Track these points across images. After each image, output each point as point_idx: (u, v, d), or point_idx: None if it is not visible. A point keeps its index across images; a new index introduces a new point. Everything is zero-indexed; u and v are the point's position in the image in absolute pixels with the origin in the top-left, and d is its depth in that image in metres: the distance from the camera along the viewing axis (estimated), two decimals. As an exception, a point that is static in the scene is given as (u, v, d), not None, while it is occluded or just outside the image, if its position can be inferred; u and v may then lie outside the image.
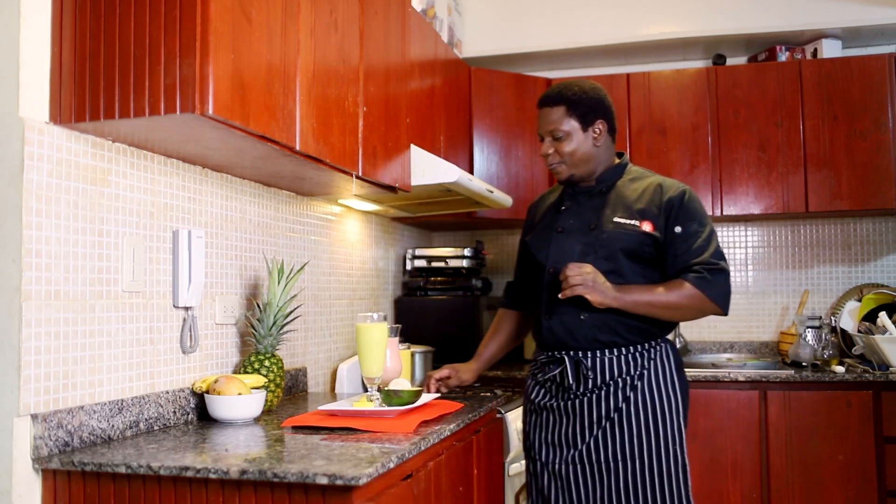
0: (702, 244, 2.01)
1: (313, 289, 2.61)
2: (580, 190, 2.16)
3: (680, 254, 2.02)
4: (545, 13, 3.69)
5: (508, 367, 3.24)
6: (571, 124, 2.07)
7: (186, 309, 1.94)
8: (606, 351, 2.03)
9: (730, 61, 3.77)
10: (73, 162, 1.61)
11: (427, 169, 2.52)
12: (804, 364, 3.24)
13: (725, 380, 3.09)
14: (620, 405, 2.00)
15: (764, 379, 3.06)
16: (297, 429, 1.77)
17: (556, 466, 2.06)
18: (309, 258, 2.59)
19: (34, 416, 1.49)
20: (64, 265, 1.58)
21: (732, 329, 3.76)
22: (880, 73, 3.31)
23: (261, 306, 2.10)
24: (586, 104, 2.08)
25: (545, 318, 2.08)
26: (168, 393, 1.85)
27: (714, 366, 3.40)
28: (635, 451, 1.99)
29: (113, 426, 1.67)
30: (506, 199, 3.08)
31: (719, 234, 3.80)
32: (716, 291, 1.99)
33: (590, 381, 2.03)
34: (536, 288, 2.17)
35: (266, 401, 2.02)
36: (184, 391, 1.91)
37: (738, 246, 3.79)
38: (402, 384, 1.98)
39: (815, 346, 3.31)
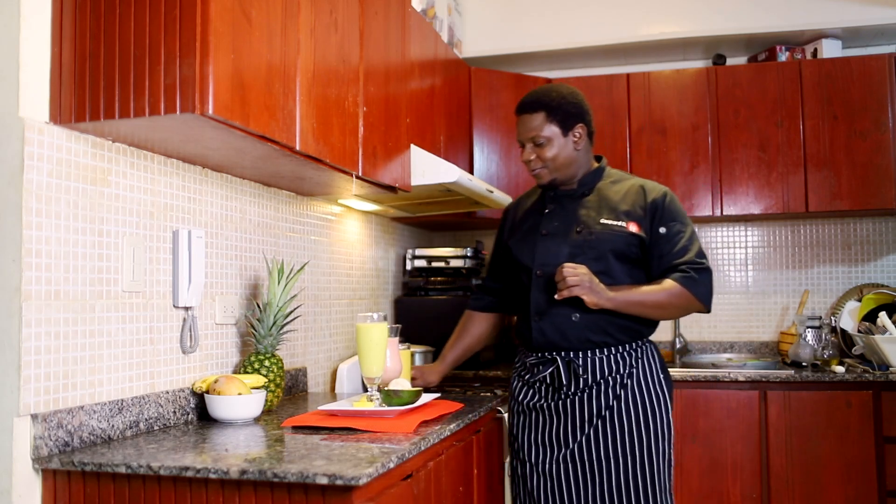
0: (685, 244, 2.07)
1: (313, 289, 2.61)
2: (562, 193, 2.19)
3: (665, 254, 2.07)
4: (545, 13, 3.69)
5: (508, 367, 3.24)
6: (552, 130, 2.10)
7: (186, 309, 1.94)
8: (597, 351, 2.06)
9: (730, 61, 3.77)
10: (73, 162, 1.61)
11: (427, 169, 2.52)
12: (804, 364, 3.24)
13: (725, 380, 3.09)
14: (611, 403, 2.04)
15: (764, 379, 3.06)
16: (297, 429, 1.77)
17: (548, 466, 2.08)
18: (309, 258, 2.59)
19: (34, 416, 1.49)
20: (64, 265, 1.58)
21: (732, 329, 3.76)
22: (880, 73, 3.31)
23: (261, 306, 2.10)
24: (565, 109, 2.10)
25: (535, 320, 2.10)
26: (168, 393, 1.85)
27: (714, 366, 3.40)
28: (626, 447, 2.02)
29: (113, 426, 1.67)
30: (506, 199, 3.08)
31: (719, 234, 3.80)
32: (701, 290, 2.04)
33: (580, 381, 2.06)
34: (520, 291, 2.20)
35: (266, 401, 2.02)
36: (184, 391, 1.91)
37: (738, 246, 3.79)
38: (402, 384, 1.98)
39: (815, 346, 3.31)
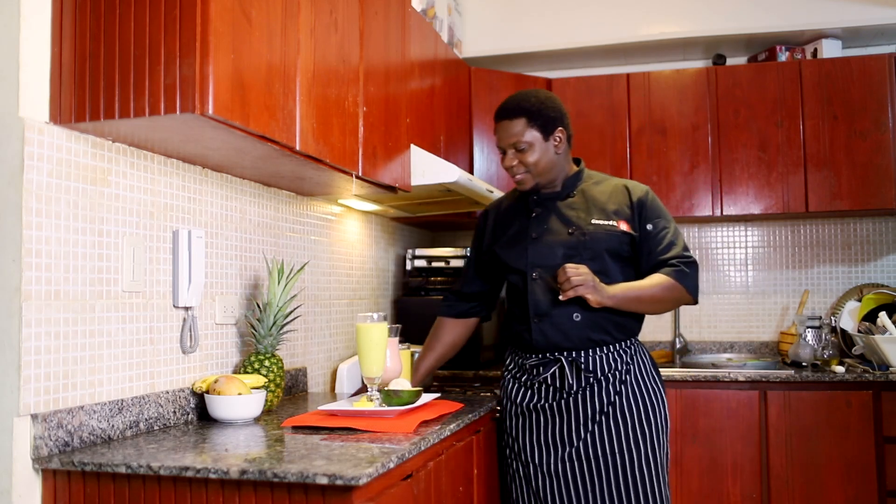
0: (672, 239, 2.13)
1: (313, 289, 2.61)
2: (546, 196, 2.21)
3: (654, 250, 2.12)
4: (545, 13, 3.69)
5: (508, 367, 3.24)
6: (533, 135, 2.11)
7: (186, 309, 1.94)
8: (598, 349, 2.10)
9: (730, 61, 3.77)
10: (73, 162, 1.61)
11: (427, 169, 2.52)
12: (804, 364, 3.24)
13: (725, 380, 3.09)
14: (613, 399, 2.08)
15: (764, 379, 3.06)
16: (297, 429, 1.77)
17: (553, 466, 2.08)
18: (309, 258, 2.59)
19: (34, 416, 1.49)
20: (64, 265, 1.58)
21: (732, 329, 3.76)
22: (880, 73, 3.31)
23: (261, 306, 2.10)
24: (545, 114, 2.12)
25: (535, 322, 2.11)
26: (168, 393, 1.85)
27: (714, 366, 3.40)
28: (630, 441, 2.06)
29: (113, 426, 1.67)
30: (506, 199, 3.08)
31: (719, 234, 3.81)
32: (691, 283, 2.11)
33: (583, 379, 2.09)
34: (512, 295, 2.21)
35: (266, 401, 2.02)
36: (184, 391, 1.91)
37: (738, 246, 3.79)
38: (402, 384, 1.98)
39: (815, 346, 3.31)
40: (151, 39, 1.49)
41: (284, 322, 2.10)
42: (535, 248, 2.14)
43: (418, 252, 3.41)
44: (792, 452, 3.01)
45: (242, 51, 1.58)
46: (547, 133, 2.12)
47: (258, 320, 2.07)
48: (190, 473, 1.39)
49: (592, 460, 2.05)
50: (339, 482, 1.32)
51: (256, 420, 1.91)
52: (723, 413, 3.08)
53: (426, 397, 2.05)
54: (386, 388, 1.94)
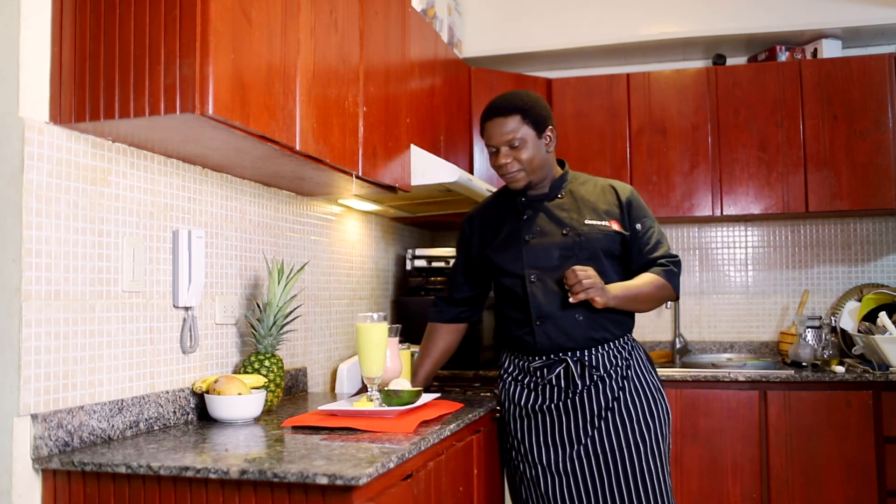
0: (659, 238, 2.19)
1: (313, 289, 2.61)
2: (534, 197, 2.21)
3: (643, 249, 2.17)
4: (545, 13, 3.69)
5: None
6: (527, 131, 2.11)
7: (186, 309, 1.94)
8: (600, 347, 2.12)
9: (730, 61, 3.77)
10: (73, 162, 1.61)
11: (427, 169, 2.52)
12: (804, 364, 3.24)
13: (725, 380, 3.09)
14: (617, 394, 2.10)
15: (764, 379, 3.06)
16: (297, 429, 1.77)
17: (561, 466, 2.09)
18: (309, 258, 2.59)
19: (34, 416, 1.49)
20: (64, 265, 1.58)
21: (732, 329, 3.76)
22: (880, 73, 3.31)
23: (261, 306, 2.10)
24: (537, 112, 2.13)
25: (538, 324, 2.12)
26: (168, 393, 1.85)
27: (714, 366, 3.41)
28: (637, 435, 2.08)
29: (113, 426, 1.67)
30: (506, 199, 3.08)
31: (719, 234, 3.81)
32: (676, 281, 2.18)
33: (587, 378, 2.10)
34: (508, 298, 2.21)
35: (266, 401, 2.02)
36: (184, 391, 1.91)
37: (738, 246, 3.79)
38: (402, 384, 1.98)
39: (815, 346, 3.31)
40: (151, 39, 1.49)
41: (284, 322, 2.10)
42: (531, 251, 2.15)
43: (418, 252, 3.41)
44: (792, 452, 3.01)
45: (242, 51, 1.58)
46: (540, 130, 2.13)
47: (258, 320, 2.07)
48: (190, 473, 1.39)
49: (601, 456, 2.07)
50: (339, 482, 1.32)
51: (256, 420, 1.91)
52: (723, 413, 3.08)
53: (426, 397, 2.05)
54: (386, 388, 1.94)
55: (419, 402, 1.95)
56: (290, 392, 2.38)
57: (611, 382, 2.10)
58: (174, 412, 1.87)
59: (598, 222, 2.14)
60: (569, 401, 2.11)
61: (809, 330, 3.34)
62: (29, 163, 1.50)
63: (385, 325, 2.00)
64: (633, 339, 2.23)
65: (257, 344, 2.07)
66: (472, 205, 3.03)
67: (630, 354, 2.16)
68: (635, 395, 2.11)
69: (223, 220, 2.12)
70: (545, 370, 2.14)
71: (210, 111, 1.46)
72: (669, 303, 3.65)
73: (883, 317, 3.13)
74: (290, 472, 1.34)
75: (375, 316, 1.99)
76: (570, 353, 2.11)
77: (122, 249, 1.73)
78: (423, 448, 1.64)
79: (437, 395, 2.21)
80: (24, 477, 1.48)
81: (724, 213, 3.45)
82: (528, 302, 2.13)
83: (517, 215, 2.22)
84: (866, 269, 3.64)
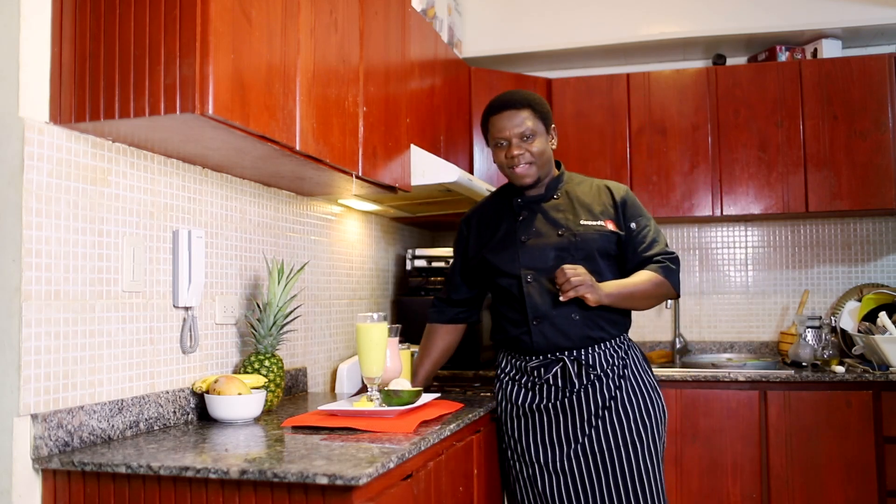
0: (654, 236, 2.19)
1: (313, 289, 2.61)
2: (531, 199, 2.22)
3: (638, 247, 2.17)
4: (545, 13, 3.69)
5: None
6: (538, 125, 2.15)
7: (186, 309, 1.94)
8: (596, 346, 2.13)
9: (730, 61, 3.77)
10: (73, 162, 1.61)
11: (427, 169, 2.52)
12: (804, 364, 3.24)
13: (725, 380, 3.09)
14: (614, 393, 2.11)
15: (764, 379, 3.06)
16: (297, 429, 1.77)
17: (559, 465, 2.10)
18: (309, 258, 2.59)
19: (34, 416, 1.49)
20: (64, 265, 1.58)
21: (732, 329, 3.76)
22: (880, 73, 3.31)
23: (261, 306, 2.10)
24: (545, 109, 2.19)
25: (534, 324, 2.12)
26: (168, 393, 1.85)
27: (714, 366, 3.41)
28: (634, 435, 2.08)
29: (113, 426, 1.67)
30: (506, 199, 3.08)
31: (719, 234, 3.81)
32: (675, 278, 2.17)
33: (584, 377, 2.11)
34: (504, 299, 2.21)
35: (266, 401, 2.02)
36: (184, 391, 1.91)
37: (738, 246, 3.79)
38: (402, 384, 1.98)
39: (815, 346, 3.31)
40: (151, 39, 1.49)
41: (284, 322, 2.10)
42: (527, 252, 2.16)
43: (418, 252, 3.41)
44: (792, 452, 3.01)
45: (242, 51, 1.58)
46: (547, 127, 2.18)
47: (258, 320, 2.07)
48: (190, 473, 1.39)
49: (598, 455, 2.07)
50: (339, 482, 1.32)
51: (256, 420, 1.91)
52: (723, 413, 3.08)
53: (426, 397, 2.05)
54: (386, 388, 1.94)
55: (419, 402, 1.95)
56: (290, 392, 2.38)
57: (607, 381, 2.11)
58: (174, 412, 1.87)
59: (594, 222, 2.16)
60: (566, 400, 2.11)
61: (809, 330, 3.34)
62: (29, 163, 1.50)
63: (385, 325, 2.00)
64: (630, 339, 2.23)
65: (257, 344, 2.07)
66: (472, 205, 3.03)
67: (626, 354, 2.16)
68: (632, 394, 2.11)
69: (223, 220, 2.12)
70: (542, 369, 2.14)
71: (210, 111, 1.47)
72: (669, 302, 3.67)
73: (883, 317, 3.13)
74: (290, 472, 1.34)
75: (375, 316, 1.99)
76: (566, 353, 2.12)
77: (122, 249, 1.73)
78: (423, 448, 1.64)
79: (437, 395, 2.21)
80: (24, 477, 1.48)
81: (724, 213, 3.45)
82: (525, 302, 2.13)
83: (513, 216, 2.23)
84: (866, 269, 3.64)
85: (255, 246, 2.28)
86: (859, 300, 3.41)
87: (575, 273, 2.00)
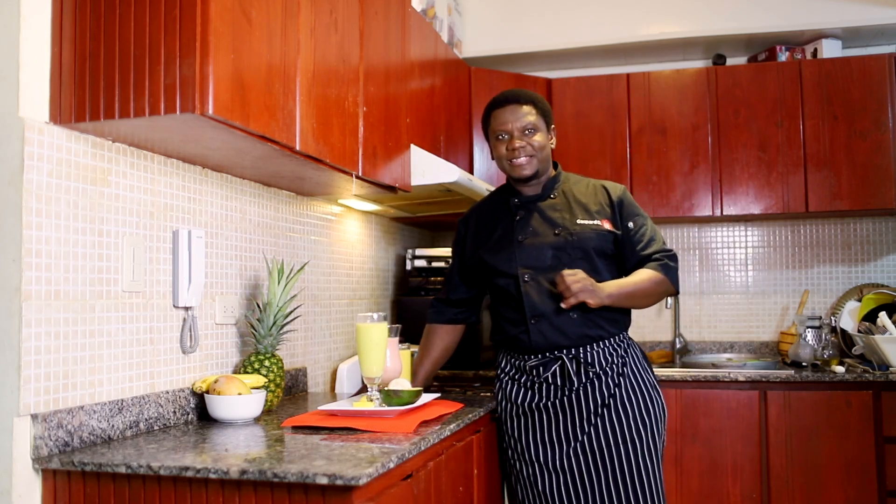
0: (652, 234, 2.20)
1: (313, 289, 2.61)
2: (528, 198, 2.24)
3: (637, 246, 2.18)
4: (545, 13, 3.69)
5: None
6: (540, 121, 2.19)
7: (186, 309, 1.94)
8: (595, 344, 2.13)
9: (730, 61, 3.77)
10: (73, 162, 1.61)
11: (427, 169, 2.52)
12: (804, 364, 3.24)
13: (725, 380, 3.09)
14: (613, 391, 2.11)
15: (764, 379, 3.06)
16: (297, 429, 1.77)
17: (558, 463, 2.10)
18: (309, 258, 2.59)
19: (34, 416, 1.49)
20: (64, 265, 1.58)
21: (732, 329, 3.76)
22: (880, 73, 3.31)
23: (261, 306, 2.10)
24: (546, 107, 2.23)
25: (532, 323, 2.13)
26: (168, 393, 1.85)
27: (714, 366, 3.40)
28: (633, 433, 2.09)
29: (113, 426, 1.67)
30: (506, 199, 3.07)
31: (719, 234, 3.81)
32: (674, 275, 2.18)
33: (583, 375, 2.11)
34: (502, 298, 2.21)
35: (266, 401, 2.02)
36: (184, 391, 1.91)
37: (738, 246, 3.79)
38: (402, 384, 1.98)
39: (815, 346, 3.31)
40: (151, 39, 1.49)
41: (284, 322, 2.10)
42: (524, 251, 2.16)
43: (418, 252, 3.41)
44: (792, 452, 3.01)
45: (242, 51, 1.58)
46: (548, 125, 2.21)
47: (258, 320, 2.07)
48: (190, 473, 1.39)
49: (597, 453, 2.08)
50: (339, 482, 1.32)
51: (256, 420, 1.91)
52: (723, 413, 3.08)
53: (426, 397, 2.05)
54: (386, 388, 1.94)
55: (419, 402, 1.95)
56: (290, 392, 2.38)
57: (606, 380, 2.11)
58: (174, 412, 1.87)
59: (590, 222, 2.16)
60: (565, 398, 2.12)
61: (809, 330, 3.34)
62: (29, 163, 1.50)
63: (385, 325, 2.00)
64: (630, 338, 2.23)
65: (257, 344, 2.07)
66: (472, 205, 3.03)
67: (626, 352, 2.17)
68: (631, 393, 2.12)
69: (223, 220, 2.12)
70: (541, 368, 2.14)
71: (210, 111, 1.47)
72: (669, 302, 3.67)
73: (883, 317, 3.13)
74: (290, 472, 1.34)
75: (375, 316, 1.99)
76: (565, 351, 2.12)
77: (122, 249, 1.73)
78: (423, 448, 1.64)
79: (437, 395, 2.21)
80: (24, 477, 1.48)
81: (724, 213, 3.45)
82: (523, 301, 2.14)
83: (510, 216, 2.24)
84: (866, 269, 3.64)
85: (255, 246, 2.28)
86: (859, 300, 3.41)
87: (575, 279, 2.01)
